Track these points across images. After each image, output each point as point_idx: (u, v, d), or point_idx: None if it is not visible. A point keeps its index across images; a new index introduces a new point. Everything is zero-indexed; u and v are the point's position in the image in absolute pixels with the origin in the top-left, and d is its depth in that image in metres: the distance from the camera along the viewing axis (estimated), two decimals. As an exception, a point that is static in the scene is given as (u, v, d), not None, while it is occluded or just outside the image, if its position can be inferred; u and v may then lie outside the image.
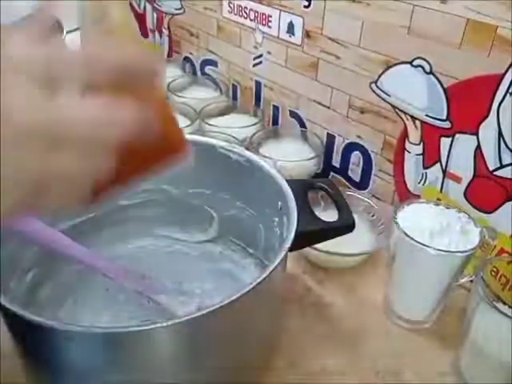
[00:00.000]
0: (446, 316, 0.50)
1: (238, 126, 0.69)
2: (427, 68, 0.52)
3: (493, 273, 0.43)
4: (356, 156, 0.65)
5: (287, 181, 0.42)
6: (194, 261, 0.52)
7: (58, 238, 0.39)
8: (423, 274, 0.46)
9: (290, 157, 0.63)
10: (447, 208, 0.48)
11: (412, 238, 0.44)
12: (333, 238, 0.43)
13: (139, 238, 0.52)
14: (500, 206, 0.50)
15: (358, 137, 0.64)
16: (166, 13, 0.90)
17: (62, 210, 0.23)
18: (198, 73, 0.88)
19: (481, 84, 0.48)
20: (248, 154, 0.46)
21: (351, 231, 0.43)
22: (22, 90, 0.20)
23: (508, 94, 0.46)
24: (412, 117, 0.56)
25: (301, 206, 0.40)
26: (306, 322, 0.50)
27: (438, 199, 0.55)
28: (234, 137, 0.64)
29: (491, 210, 0.51)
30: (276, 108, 0.75)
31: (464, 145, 0.52)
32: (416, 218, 0.46)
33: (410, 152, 0.58)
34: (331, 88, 0.64)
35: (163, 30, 0.92)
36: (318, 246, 0.50)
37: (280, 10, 0.66)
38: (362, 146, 0.64)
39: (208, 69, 0.86)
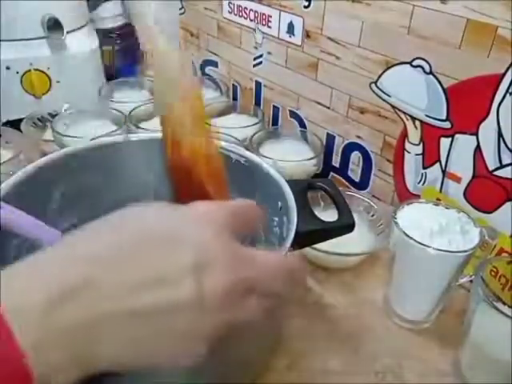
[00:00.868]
0: (445, 316, 0.50)
1: (238, 126, 0.69)
2: (427, 68, 0.52)
3: (493, 273, 0.43)
4: (356, 156, 0.65)
5: (287, 181, 0.42)
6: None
7: (58, 238, 0.39)
8: (423, 273, 0.46)
9: (289, 157, 0.63)
10: (447, 208, 0.48)
11: (412, 238, 0.44)
12: (333, 237, 0.43)
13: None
14: (500, 206, 0.50)
15: (358, 137, 0.64)
16: (166, 13, 0.90)
17: None
18: (199, 73, 0.88)
19: (481, 84, 0.48)
20: (248, 154, 0.46)
21: (351, 231, 0.43)
22: None
23: (508, 94, 0.46)
24: (412, 117, 0.56)
25: (301, 206, 0.40)
26: (306, 321, 0.50)
27: (438, 199, 0.55)
28: (233, 137, 0.64)
29: (491, 209, 0.51)
30: (276, 108, 0.75)
31: (464, 145, 0.52)
32: (416, 218, 0.46)
33: (409, 152, 0.58)
34: (331, 88, 0.64)
35: (163, 30, 0.92)
36: (317, 245, 0.50)
37: (280, 10, 0.66)
38: (362, 146, 0.64)
39: (208, 69, 0.86)
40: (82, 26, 0.82)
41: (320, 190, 0.46)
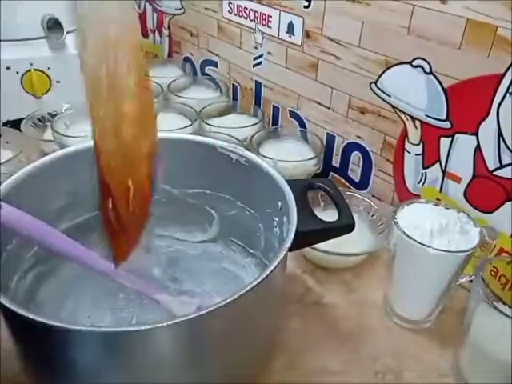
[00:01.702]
0: (445, 316, 0.50)
1: (238, 126, 0.69)
2: (427, 68, 0.52)
3: (493, 273, 0.43)
4: (356, 156, 0.65)
5: (287, 181, 0.42)
6: (194, 261, 0.52)
7: (57, 238, 0.39)
8: (423, 273, 0.46)
9: (290, 157, 0.63)
10: (447, 208, 0.48)
11: (412, 238, 0.44)
12: (333, 237, 0.43)
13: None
14: (500, 206, 0.50)
15: (358, 137, 0.64)
16: (166, 13, 0.90)
17: None
18: (198, 73, 0.88)
19: (481, 84, 0.48)
20: (248, 154, 0.46)
21: (351, 231, 0.43)
22: None
23: (508, 94, 0.46)
24: (412, 117, 0.56)
25: (301, 206, 0.40)
26: (306, 321, 0.50)
27: (438, 199, 0.55)
28: (233, 137, 0.64)
29: (491, 209, 0.51)
30: (276, 108, 0.75)
31: (464, 145, 0.52)
32: (416, 218, 0.46)
33: (409, 152, 0.58)
34: (331, 88, 0.64)
35: (163, 30, 0.92)
36: (317, 245, 0.50)
37: (280, 10, 0.66)
38: (362, 146, 0.64)
39: (208, 69, 0.86)
40: (82, 26, 0.82)
41: (320, 190, 0.46)
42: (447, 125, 0.52)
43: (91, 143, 0.31)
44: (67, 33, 0.76)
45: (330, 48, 0.62)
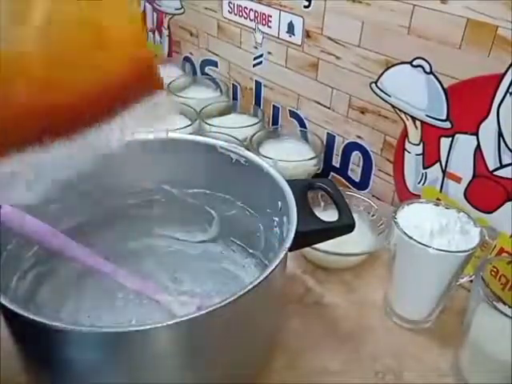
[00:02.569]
0: (445, 316, 0.50)
1: (238, 126, 0.69)
2: (427, 68, 0.52)
3: (493, 273, 0.43)
4: (356, 156, 0.65)
5: (287, 181, 0.42)
6: (194, 261, 0.52)
7: (58, 238, 0.39)
8: (423, 273, 0.46)
9: (290, 157, 0.63)
10: (447, 208, 0.48)
11: (412, 238, 0.44)
12: (333, 237, 0.43)
13: (139, 237, 0.52)
14: (500, 206, 0.50)
15: (358, 137, 0.64)
16: (165, 13, 0.90)
17: None
18: (198, 73, 0.88)
19: (481, 84, 0.48)
20: (248, 154, 0.46)
21: (351, 231, 0.43)
22: None
23: (508, 94, 0.46)
24: (412, 117, 0.56)
25: (301, 206, 0.40)
26: (306, 321, 0.50)
27: (438, 199, 0.55)
28: (234, 137, 0.64)
29: (491, 209, 0.51)
30: (276, 108, 0.75)
31: (464, 145, 0.52)
32: (416, 218, 0.46)
33: (409, 152, 0.58)
34: (331, 88, 0.64)
35: (163, 29, 0.92)
36: (317, 245, 0.50)
37: (280, 10, 0.66)
38: (362, 146, 0.64)
39: (208, 69, 0.86)
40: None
41: (320, 190, 0.46)
42: (447, 125, 0.52)
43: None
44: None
45: (330, 48, 0.62)
